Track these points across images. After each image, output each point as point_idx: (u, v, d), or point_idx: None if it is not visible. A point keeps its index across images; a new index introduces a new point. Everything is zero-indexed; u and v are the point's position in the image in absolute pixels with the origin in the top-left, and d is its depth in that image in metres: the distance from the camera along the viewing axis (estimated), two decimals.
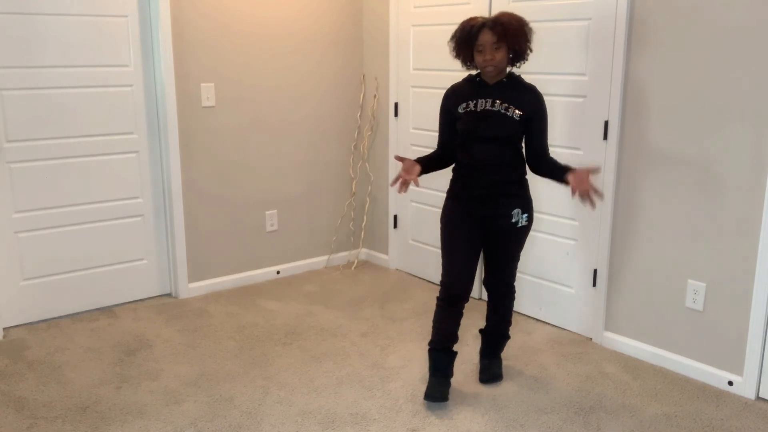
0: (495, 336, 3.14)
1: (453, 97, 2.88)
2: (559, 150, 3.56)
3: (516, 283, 3.01)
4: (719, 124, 2.94)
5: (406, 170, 2.75)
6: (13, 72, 3.47)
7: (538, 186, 3.68)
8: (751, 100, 2.84)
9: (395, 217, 4.64)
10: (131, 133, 3.88)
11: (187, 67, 3.94)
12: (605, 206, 3.38)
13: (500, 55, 2.70)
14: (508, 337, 3.17)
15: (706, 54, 2.95)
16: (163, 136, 3.94)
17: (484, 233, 2.89)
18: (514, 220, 2.83)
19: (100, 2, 3.65)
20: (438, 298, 2.91)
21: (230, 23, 4.06)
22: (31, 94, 3.54)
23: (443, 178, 3.07)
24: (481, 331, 3.18)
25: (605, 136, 3.34)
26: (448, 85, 2.96)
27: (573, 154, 3.50)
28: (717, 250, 3.02)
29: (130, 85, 3.84)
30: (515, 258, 2.97)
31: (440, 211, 2.98)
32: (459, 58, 2.83)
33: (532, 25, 3.57)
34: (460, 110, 2.83)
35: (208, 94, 4.04)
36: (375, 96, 4.62)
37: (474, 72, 2.88)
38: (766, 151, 2.82)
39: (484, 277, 3.05)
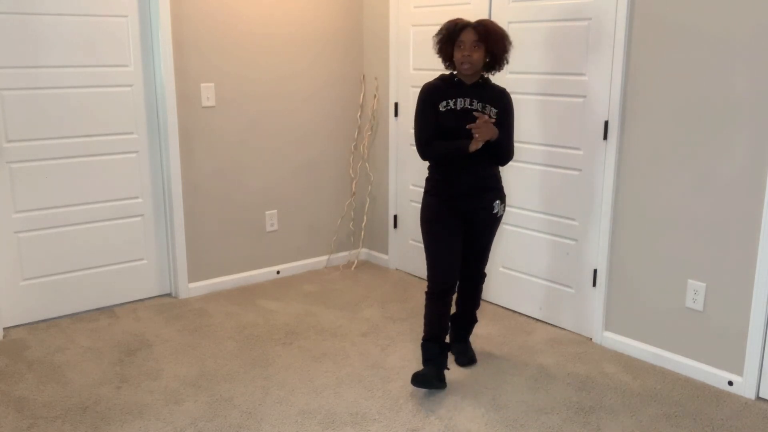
0: (467, 320, 3.29)
1: (435, 93, 2.95)
2: (559, 150, 3.57)
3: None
4: (719, 123, 2.94)
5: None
6: (13, 72, 3.47)
7: (538, 185, 3.69)
8: (751, 100, 2.84)
9: (395, 217, 4.64)
10: (131, 133, 3.88)
11: (187, 67, 3.94)
12: (605, 206, 3.38)
13: (478, 55, 2.83)
14: (477, 321, 3.35)
15: (705, 53, 2.95)
16: (163, 136, 3.94)
17: (465, 226, 3.02)
18: (495, 212, 3.01)
19: (100, 2, 3.65)
20: (427, 293, 3.03)
21: (230, 23, 4.06)
22: (31, 94, 3.54)
23: None
24: (452, 315, 3.22)
25: (605, 136, 3.34)
26: None
27: (573, 154, 3.50)
28: (717, 250, 3.02)
29: (130, 85, 3.84)
30: (490, 246, 3.15)
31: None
32: (441, 55, 2.96)
33: (531, 25, 3.61)
34: (441, 108, 2.92)
35: (208, 94, 4.04)
36: (375, 96, 4.62)
37: (448, 72, 3.00)
38: (766, 151, 2.82)
39: (462, 269, 3.12)
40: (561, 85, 3.51)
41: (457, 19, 2.93)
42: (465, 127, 2.83)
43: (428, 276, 3.02)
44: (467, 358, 3.28)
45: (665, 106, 3.11)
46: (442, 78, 3.00)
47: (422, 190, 3.09)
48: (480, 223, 3.03)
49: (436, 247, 2.99)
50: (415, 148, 3.05)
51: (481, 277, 3.21)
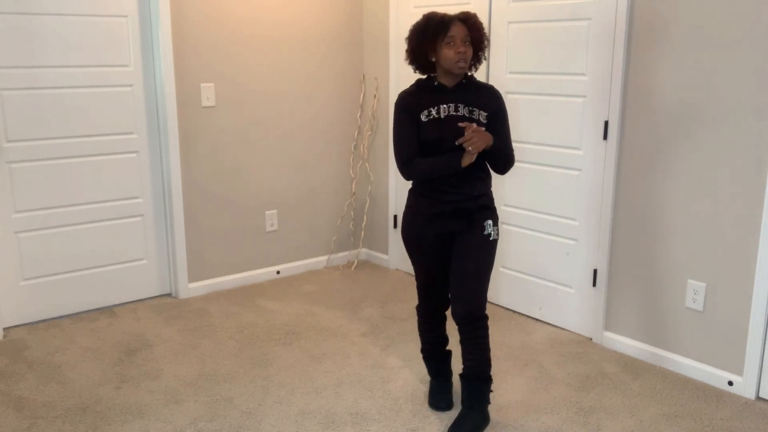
0: (474, 380, 2.67)
1: (413, 102, 2.59)
2: (559, 150, 3.57)
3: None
4: (719, 123, 2.94)
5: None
6: (13, 72, 3.47)
7: (538, 185, 3.69)
8: (750, 100, 2.84)
9: (395, 217, 4.64)
10: (131, 133, 3.88)
11: (187, 67, 3.94)
12: (605, 206, 3.38)
13: (470, 51, 2.51)
14: (490, 380, 2.70)
15: (705, 53, 2.95)
16: (163, 136, 3.94)
17: (453, 246, 2.67)
18: (486, 233, 2.60)
19: (100, 2, 3.65)
20: (417, 310, 2.89)
21: (230, 23, 4.06)
22: (31, 94, 3.54)
23: None
24: (459, 375, 2.73)
25: (605, 136, 3.34)
26: None
27: (573, 154, 3.50)
28: (717, 250, 3.02)
29: (130, 85, 3.84)
30: (485, 278, 2.63)
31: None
32: (416, 57, 2.59)
33: (532, 24, 3.60)
34: (423, 119, 2.56)
35: (208, 94, 4.04)
36: (375, 96, 4.62)
37: (423, 77, 2.66)
38: (766, 151, 2.82)
39: (452, 307, 2.66)
40: (561, 85, 3.51)
41: (436, 13, 2.54)
42: (452, 139, 2.48)
43: (418, 297, 2.84)
44: (461, 429, 2.64)
45: (665, 106, 3.11)
46: (418, 84, 2.64)
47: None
48: (470, 246, 2.60)
49: (422, 270, 2.75)
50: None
51: (479, 320, 2.61)
